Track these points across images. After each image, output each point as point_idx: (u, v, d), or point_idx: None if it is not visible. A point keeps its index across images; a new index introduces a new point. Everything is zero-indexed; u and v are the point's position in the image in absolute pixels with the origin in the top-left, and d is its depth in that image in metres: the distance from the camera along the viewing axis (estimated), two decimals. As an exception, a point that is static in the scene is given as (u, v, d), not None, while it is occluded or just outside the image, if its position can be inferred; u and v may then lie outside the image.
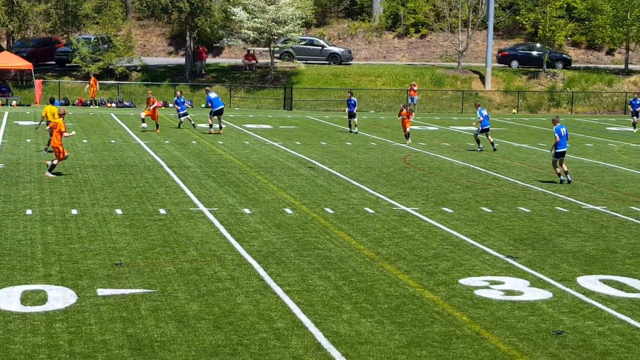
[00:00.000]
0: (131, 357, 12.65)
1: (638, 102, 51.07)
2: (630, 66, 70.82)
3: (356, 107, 45.97)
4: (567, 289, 16.73)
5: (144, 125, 42.94)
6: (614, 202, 26.46)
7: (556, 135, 29.16)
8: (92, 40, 65.00)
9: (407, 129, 40.48)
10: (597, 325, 14.59)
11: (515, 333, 14.08)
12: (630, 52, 71.42)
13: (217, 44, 70.48)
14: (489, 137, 38.64)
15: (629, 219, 23.94)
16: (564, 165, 29.62)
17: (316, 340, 13.53)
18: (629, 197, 27.55)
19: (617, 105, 66.11)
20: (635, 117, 50.96)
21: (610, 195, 27.89)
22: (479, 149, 38.32)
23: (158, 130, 42.48)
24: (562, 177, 29.62)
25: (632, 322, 14.77)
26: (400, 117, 40.94)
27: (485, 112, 38.06)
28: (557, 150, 29.10)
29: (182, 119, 44.96)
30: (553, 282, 17.25)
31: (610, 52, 77.14)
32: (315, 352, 12.99)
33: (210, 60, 70.38)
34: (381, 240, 20.62)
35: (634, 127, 50.78)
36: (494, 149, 38.43)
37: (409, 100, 59.39)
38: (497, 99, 66.04)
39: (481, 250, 19.88)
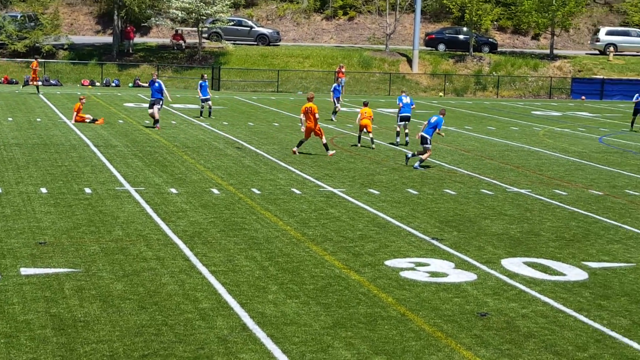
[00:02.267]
0: (54, 337, 12.43)
1: None
2: (555, 51, 71.72)
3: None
4: (492, 271, 16.86)
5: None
6: (538, 186, 26.77)
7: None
8: (18, 18, 63.86)
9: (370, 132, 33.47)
10: (520, 307, 14.73)
11: (439, 315, 14.15)
12: (555, 38, 72.33)
13: (145, 24, 69.69)
14: (406, 128, 35.01)
15: (553, 202, 24.24)
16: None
17: (242, 320, 13.44)
18: (552, 180, 27.90)
19: (542, 90, 66.94)
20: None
21: (534, 178, 28.21)
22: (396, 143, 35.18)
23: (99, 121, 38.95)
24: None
25: (555, 304, 14.94)
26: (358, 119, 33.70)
27: (406, 100, 34.69)
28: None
29: (204, 104, 42.36)
30: (478, 264, 17.38)
31: (535, 37, 78.08)
32: (240, 333, 12.90)
33: (138, 39, 69.51)
34: (308, 221, 20.57)
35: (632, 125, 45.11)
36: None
37: (340, 81, 59.31)
38: (424, 81, 66.40)
39: (407, 232, 19.95)
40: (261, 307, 14.10)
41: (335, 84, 45.31)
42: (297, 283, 15.55)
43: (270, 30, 71.27)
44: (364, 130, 33.16)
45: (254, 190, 24.03)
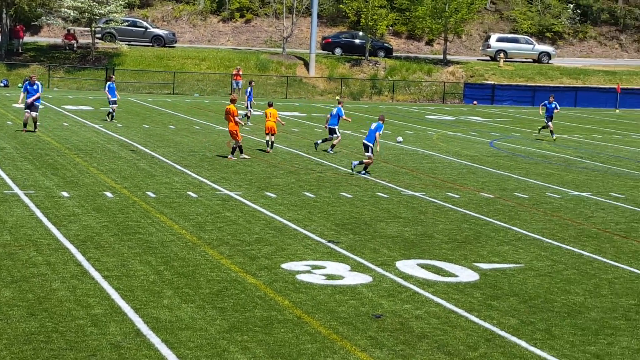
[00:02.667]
0: (-61, 346, 12.08)
1: (553, 107, 43.36)
2: (448, 57, 72.87)
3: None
4: (387, 273, 17.02)
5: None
6: (432, 189, 27.14)
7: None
8: None
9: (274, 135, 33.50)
10: (414, 308, 14.90)
11: (335, 317, 14.22)
12: (448, 43, 73.46)
13: (36, 23, 68.36)
14: (334, 136, 34.56)
15: (446, 204, 24.60)
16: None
17: (135, 326, 13.27)
18: (446, 183, 28.32)
19: (436, 95, 67.90)
20: (550, 123, 43.30)
21: (428, 181, 28.59)
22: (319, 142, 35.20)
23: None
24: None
25: (448, 305, 15.16)
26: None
27: (336, 112, 34.19)
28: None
29: (112, 106, 41.04)
30: (373, 266, 17.52)
31: (429, 43, 79.21)
32: (134, 339, 12.74)
33: (28, 38, 68.13)
34: (204, 224, 20.46)
35: (552, 134, 43.42)
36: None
37: (234, 84, 59.19)
38: (320, 85, 66.70)
39: (304, 235, 20.00)
40: (156, 312, 13.95)
41: (248, 88, 44.50)
42: (193, 287, 15.44)
43: (165, 32, 70.69)
44: (270, 133, 33.06)
45: (149, 193, 23.78)
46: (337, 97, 36.04)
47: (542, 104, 44.51)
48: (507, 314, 14.78)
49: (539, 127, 45.41)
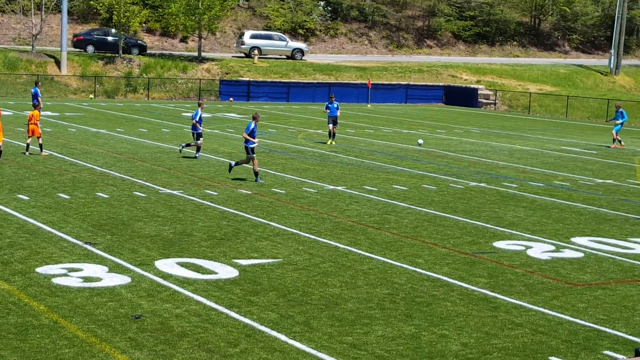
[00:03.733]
0: None
1: (335, 106, 40.63)
2: (203, 54, 72.95)
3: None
4: (146, 273, 16.90)
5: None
6: (190, 186, 27.13)
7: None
8: None
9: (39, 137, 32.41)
10: (174, 307, 14.87)
11: (94, 320, 13.98)
12: (202, 40, 73.55)
13: None
14: (199, 141, 33.20)
15: (204, 202, 24.67)
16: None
17: None
18: (204, 181, 28.38)
19: (192, 92, 67.79)
20: (333, 125, 40.43)
21: (186, 179, 28.56)
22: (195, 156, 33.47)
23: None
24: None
25: (208, 302, 15.23)
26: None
27: (200, 113, 33.00)
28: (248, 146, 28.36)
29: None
30: (132, 266, 17.35)
31: (184, 40, 79.03)
32: None
33: None
34: (-49, 230, 19.57)
35: (331, 137, 40.86)
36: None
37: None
38: (73, 83, 65.16)
39: (59, 237, 19.52)
40: None
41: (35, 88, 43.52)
42: (-59, 296, 14.75)
43: None
44: (33, 136, 32.10)
45: None
46: (200, 101, 35.26)
47: (326, 105, 40.96)
48: (266, 309, 15.01)
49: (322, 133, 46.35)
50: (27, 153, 32.05)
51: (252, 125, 28.36)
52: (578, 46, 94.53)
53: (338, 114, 40.68)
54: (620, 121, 45.50)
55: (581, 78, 79.82)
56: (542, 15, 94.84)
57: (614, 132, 45.56)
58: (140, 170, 29.88)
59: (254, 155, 28.41)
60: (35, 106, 33.43)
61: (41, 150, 32.23)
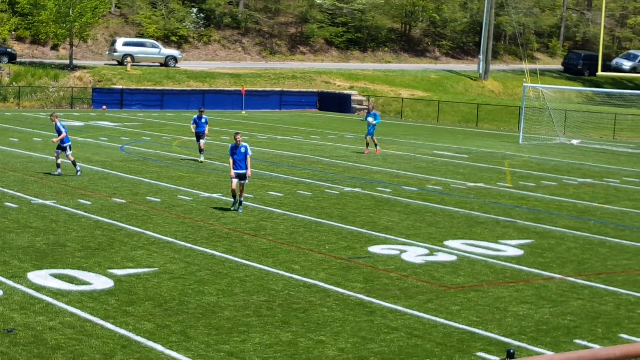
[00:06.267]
0: None
1: (203, 121, 36.80)
2: (75, 61, 71.75)
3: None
4: (18, 286, 16.57)
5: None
6: (63, 196, 26.68)
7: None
8: None
9: None
10: (48, 319, 14.63)
11: (-36, 335, 13.65)
12: (74, 48, 72.36)
13: None
14: (70, 156, 30.99)
15: (78, 212, 24.30)
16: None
17: None
18: (77, 190, 27.94)
19: (64, 100, 66.64)
20: (201, 141, 36.80)
21: (59, 189, 28.07)
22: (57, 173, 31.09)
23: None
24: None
25: (82, 314, 15.02)
26: None
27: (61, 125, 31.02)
28: None
29: None
30: (3, 279, 16.99)
31: (55, 48, 77.60)
32: None
33: None
34: None
35: (200, 154, 36.84)
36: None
37: None
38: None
39: None
40: None
41: None
42: None
43: None
44: None
45: None
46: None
47: (192, 120, 37.22)
48: (142, 319, 14.90)
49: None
50: None
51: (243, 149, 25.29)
52: (448, 52, 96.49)
53: (207, 130, 36.88)
54: (374, 122, 41.34)
55: (451, 83, 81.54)
56: (413, 22, 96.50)
57: (368, 136, 41.79)
58: (11, 180, 29.23)
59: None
60: None
61: None
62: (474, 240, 22.51)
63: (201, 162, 36.18)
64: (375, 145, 42.14)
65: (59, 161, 30.88)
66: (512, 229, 24.25)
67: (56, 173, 30.91)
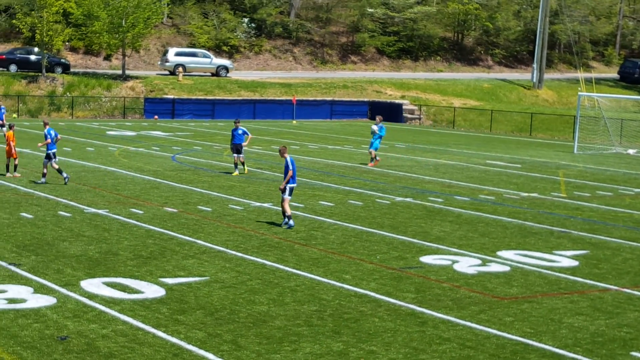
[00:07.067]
0: None
1: (240, 132, 34.88)
2: (127, 72, 72.40)
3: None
4: (71, 294, 16.68)
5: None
6: (115, 205, 26.87)
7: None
8: None
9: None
10: (101, 327, 14.70)
11: (19, 342, 13.76)
12: (126, 58, 73.01)
13: None
14: (54, 164, 30.73)
15: (130, 221, 24.45)
16: None
17: None
18: (129, 199, 28.13)
19: (116, 110, 67.25)
20: (239, 155, 35.12)
21: (111, 198, 28.28)
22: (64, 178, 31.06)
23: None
24: None
25: (134, 322, 15.08)
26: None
27: (53, 132, 30.91)
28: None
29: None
30: (57, 287, 17.11)
31: (107, 58, 78.37)
32: None
33: None
34: None
35: (236, 168, 35.38)
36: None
37: None
38: (-5, 103, 64.14)
39: (-19, 259, 19.18)
40: None
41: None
42: None
43: None
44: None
45: None
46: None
47: (232, 132, 35.36)
48: (194, 328, 14.92)
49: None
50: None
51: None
52: (501, 61, 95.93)
53: (247, 141, 35.10)
54: (379, 133, 40.16)
55: (504, 92, 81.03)
56: (465, 31, 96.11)
57: (372, 149, 40.18)
58: (64, 189, 29.50)
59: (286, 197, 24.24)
60: (11, 126, 32.53)
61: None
62: (528, 251, 22.26)
63: (235, 175, 34.60)
64: (372, 159, 40.20)
65: (45, 170, 30.94)
66: (567, 240, 23.97)
67: (40, 182, 30.82)
